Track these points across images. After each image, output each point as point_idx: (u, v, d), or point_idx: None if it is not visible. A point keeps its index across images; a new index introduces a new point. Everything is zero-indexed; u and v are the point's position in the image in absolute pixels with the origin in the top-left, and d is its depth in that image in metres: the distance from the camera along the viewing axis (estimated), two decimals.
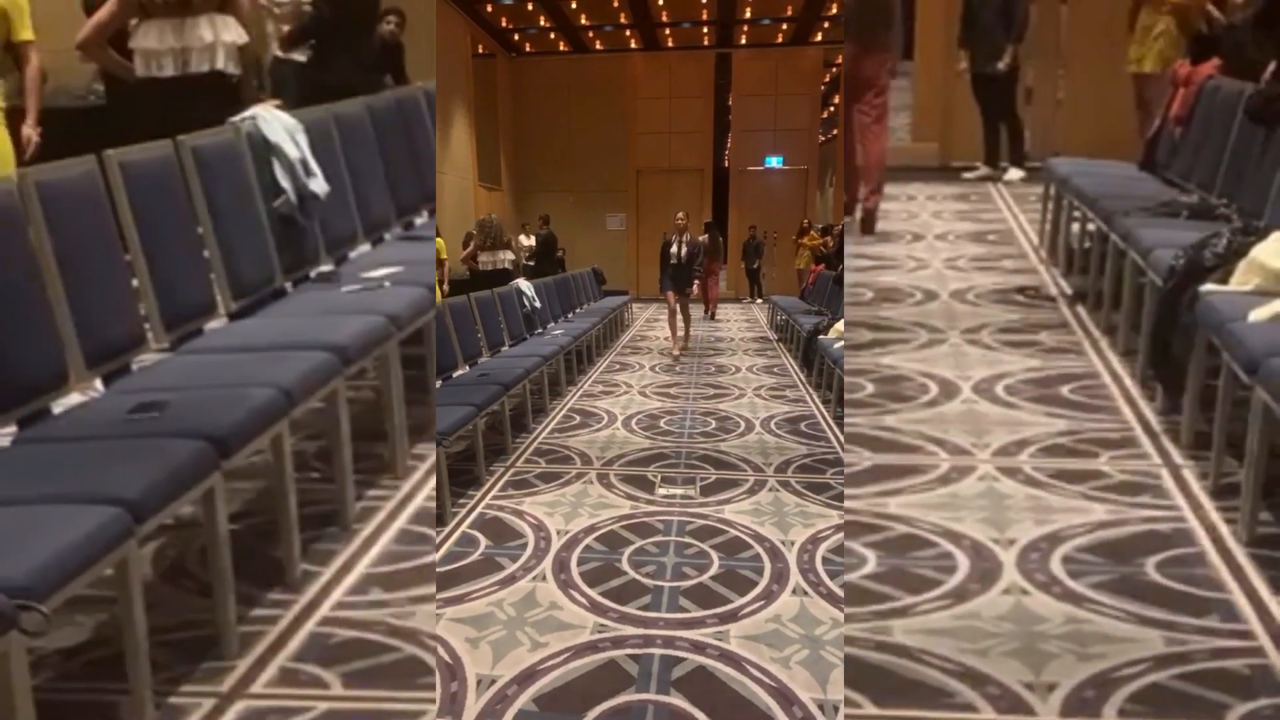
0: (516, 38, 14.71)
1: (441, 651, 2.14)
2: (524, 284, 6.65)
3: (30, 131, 3.18)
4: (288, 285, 2.89)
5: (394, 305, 2.68)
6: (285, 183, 2.68)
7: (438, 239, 7.73)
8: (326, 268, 3.06)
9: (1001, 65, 5.60)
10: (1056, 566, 2.18)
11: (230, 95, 3.06)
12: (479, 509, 3.29)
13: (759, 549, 2.82)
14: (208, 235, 2.46)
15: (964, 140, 6.26)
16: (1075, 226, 4.28)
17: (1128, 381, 3.23)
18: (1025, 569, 2.18)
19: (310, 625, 2.05)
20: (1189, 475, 2.59)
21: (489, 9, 13.18)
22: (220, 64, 3.18)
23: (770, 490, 3.48)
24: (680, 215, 7.76)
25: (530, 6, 12.95)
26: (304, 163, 2.75)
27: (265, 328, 2.52)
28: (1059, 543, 2.29)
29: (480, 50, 14.02)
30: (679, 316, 7.96)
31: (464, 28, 13.09)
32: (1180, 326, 2.60)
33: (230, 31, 3.21)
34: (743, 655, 2.11)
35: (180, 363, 2.31)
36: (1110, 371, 3.33)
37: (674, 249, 7.64)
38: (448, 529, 3.05)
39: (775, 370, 6.74)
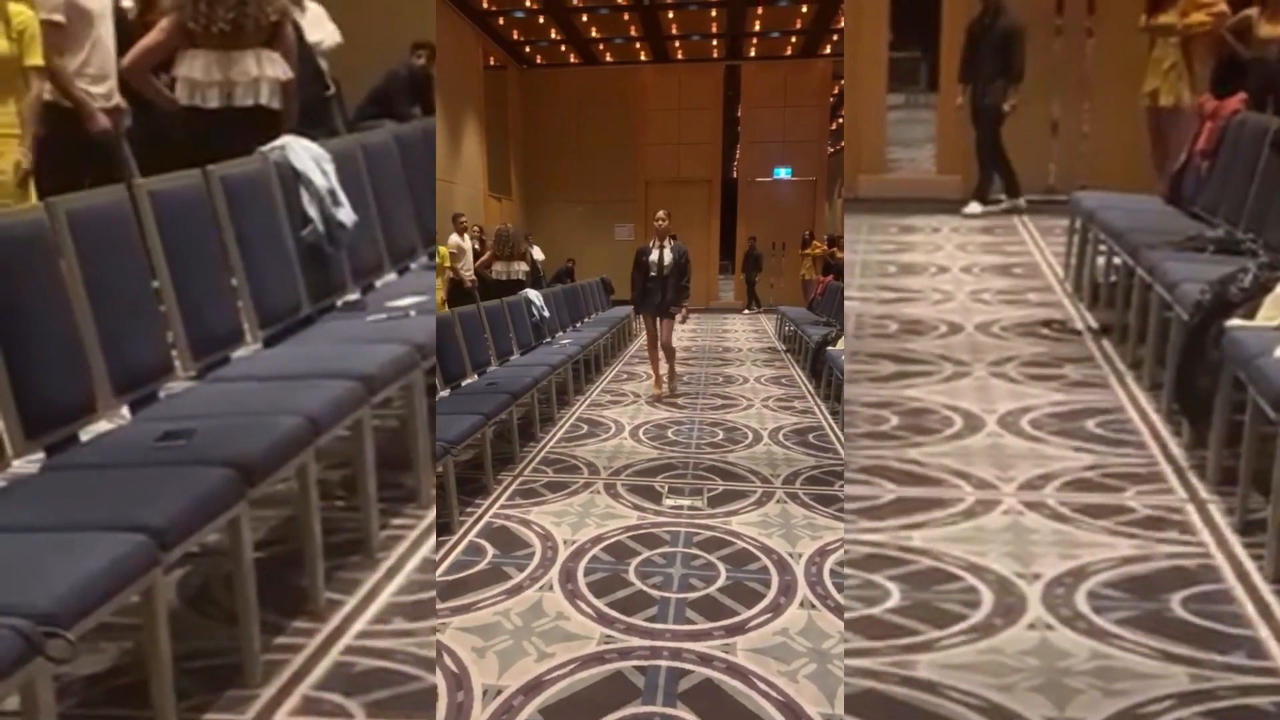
0: (528, 50, 14.81)
1: (447, 660, 2.14)
2: (533, 293, 6.68)
3: (19, 157, 3.21)
4: (314, 314, 2.90)
5: (419, 334, 2.69)
6: (313, 212, 2.71)
7: (441, 248, 7.81)
8: (353, 296, 3.09)
9: (1006, 106, 5.59)
10: (1082, 602, 2.17)
11: (272, 129, 3.10)
12: (486, 518, 3.30)
13: (766, 561, 2.82)
14: (235, 264, 2.48)
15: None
16: (1101, 260, 4.27)
17: (1154, 416, 3.21)
18: (1050, 604, 2.17)
19: (334, 654, 2.05)
20: (1215, 511, 2.58)
21: (501, 22, 13.27)
22: (264, 99, 3.21)
23: (778, 502, 3.49)
24: (660, 215, 5.87)
25: (542, 19, 13.03)
26: (331, 192, 2.77)
27: (292, 356, 2.54)
28: (1084, 578, 2.27)
29: (492, 62, 14.12)
30: (660, 349, 6.05)
31: (476, 40, 13.17)
32: (1206, 361, 2.59)
33: (275, 67, 3.25)
34: (750, 668, 2.12)
35: (207, 391, 2.32)
36: (1136, 406, 3.31)
37: (653, 257, 5.83)
38: (454, 537, 3.06)
39: (783, 381, 6.74)
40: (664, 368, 6.11)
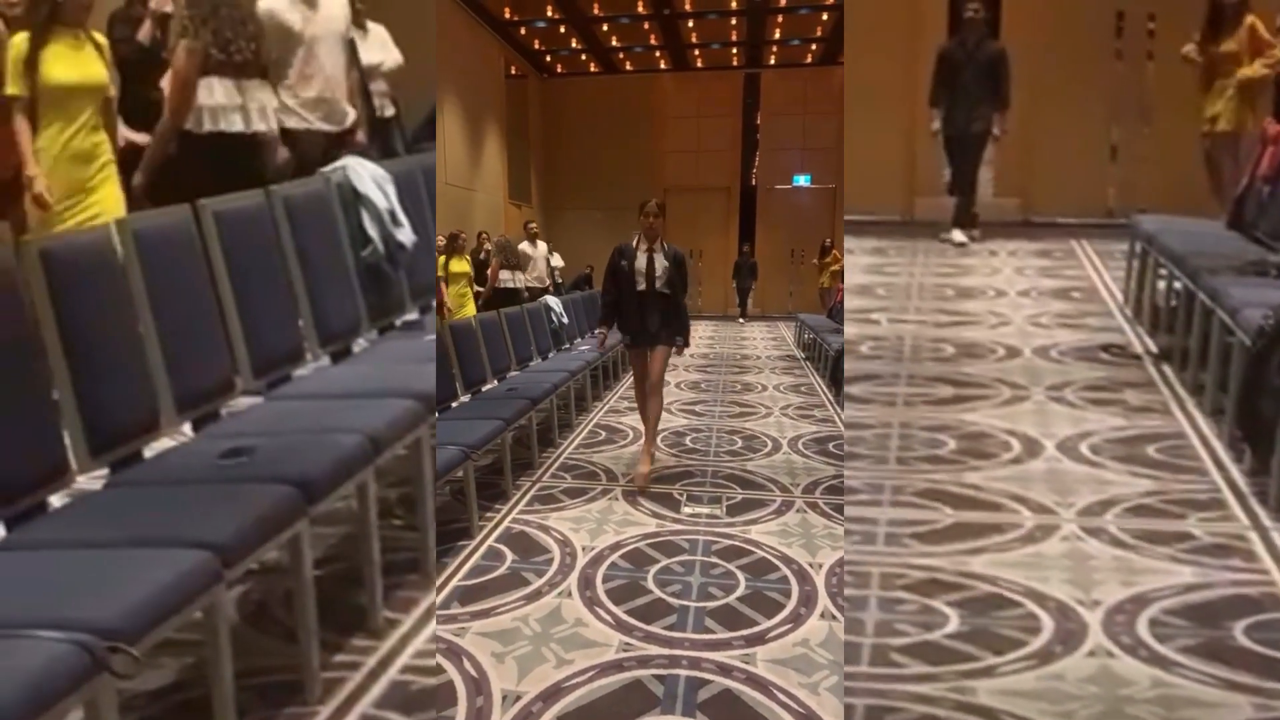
0: (549, 59, 14.91)
1: (467, 665, 2.15)
2: (552, 300, 6.72)
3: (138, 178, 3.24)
4: (374, 332, 2.93)
5: None
6: (373, 232, 2.73)
7: (463, 259, 7.88)
8: (412, 316, 3.11)
9: (997, 132, 5.48)
10: (1143, 629, 2.15)
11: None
12: (505, 523, 3.31)
13: (786, 571, 2.81)
14: (297, 283, 2.50)
15: (1046, 194, 6.18)
16: (1161, 284, 4.22)
17: (1215, 442, 3.17)
18: (1111, 631, 2.14)
19: (392, 673, 2.05)
20: (1278, 538, 2.54)
21: (522, 32, 13.37)
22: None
23: (798, 511, 3.47)
24: (650, 205, 4.02)
25: (563, 29, 13.12)
26: (392, 213, 2.80)
27: (352, 375, 2.56)
28: (1145, 605, 2.25)
29: (513, 71, 14.21)
30: (649, 394, 4.09)
31: (498, 50, 13.26)
32: (1269, 387, 2.56)
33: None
34: (770, 679, 2.11)
35: (269, 408, 2.34)
36: (1197, 431, 3.27)
37: (638, 264, 3.97)
38: (474, 542, 3.07)
39: (803, 389, 6.69)
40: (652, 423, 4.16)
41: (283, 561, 2.08)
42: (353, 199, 2.75)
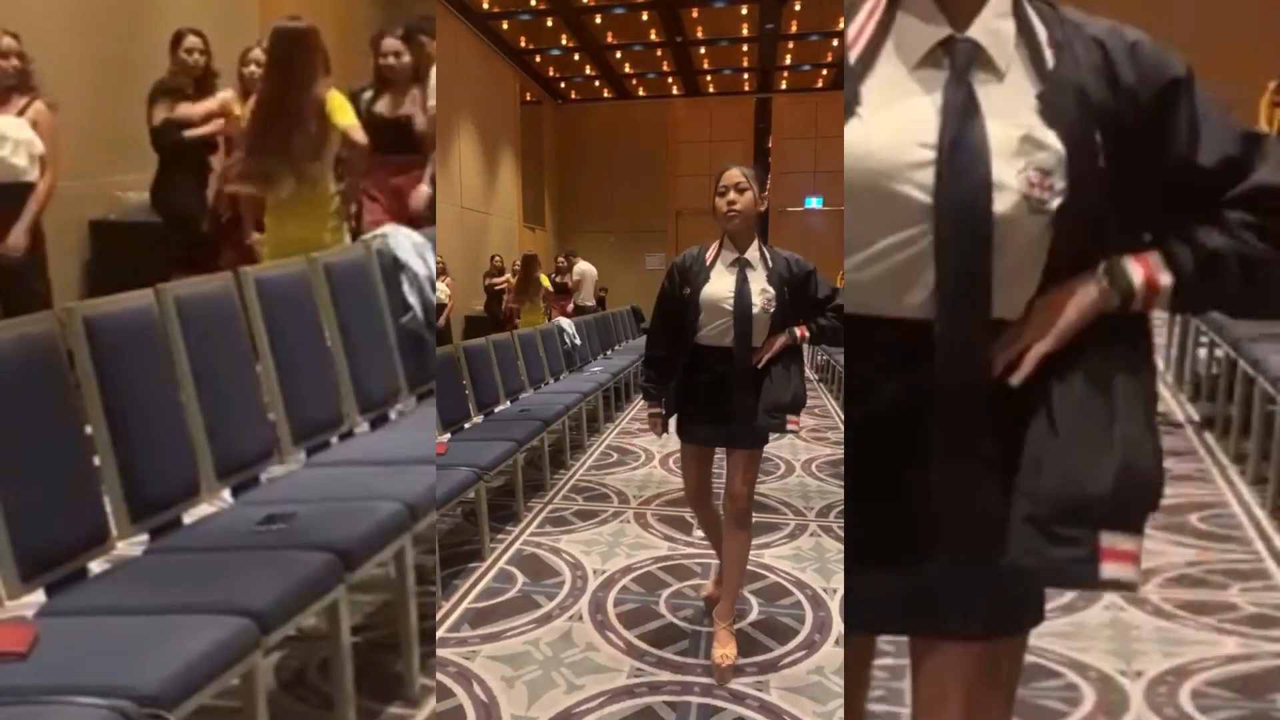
0: (563, 85, 15.06)
1: (477, 689, 2.14)
2: (565, 321, 6.73)
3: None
4: (414, 399, 2.92)
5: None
6: (413, 299, 2.75)
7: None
8: None
9: None
10: (1185, 701, 2.12)
11: None
12: (516, 545, 3.30)
13: (800, 596, 2.78)
14: (337, 350, 2.52)
15: None
16: (1203, 352, 4.21)
17: (1258, 511, 3.15)
18: (1154, 702, 2.11)
19: None
20: None
21: (537, 59, 13.53)
22: None
23: (811, 535, 3.43)
24: (735, 171, 2.24)
25: (577, 57, 13.26)
26: (431, 280, 2.82)
27: (391, 442, 2.56)
28: (1188, 676, 2.22)
29: (528, 98, 14.36)
30: (719, 518, 2.49)
31: (513, 77, 13.42)
32: None
33: None
34: (784, 708, 2.08)
35: (308, 475, 2.34)
36: (1240, 500, 3.26)
37: (711, 288, 2.22)
38: (485, 564, 3.06)
39: (816, 411, 6.63)
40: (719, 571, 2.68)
41: (320, 628, 2.07)
42: (393, 266, 2.77)
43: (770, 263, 2.25)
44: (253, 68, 3.73)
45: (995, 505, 0.92)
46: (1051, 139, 0.91)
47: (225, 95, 3.85)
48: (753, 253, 2.25)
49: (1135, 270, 0.94)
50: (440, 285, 8.55)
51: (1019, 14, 0.96)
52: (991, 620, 0.99)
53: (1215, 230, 0.94)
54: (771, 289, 2.21)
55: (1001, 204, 0.90)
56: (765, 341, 2.22)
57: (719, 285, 2.22)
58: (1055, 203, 0.91)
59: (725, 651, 2.27)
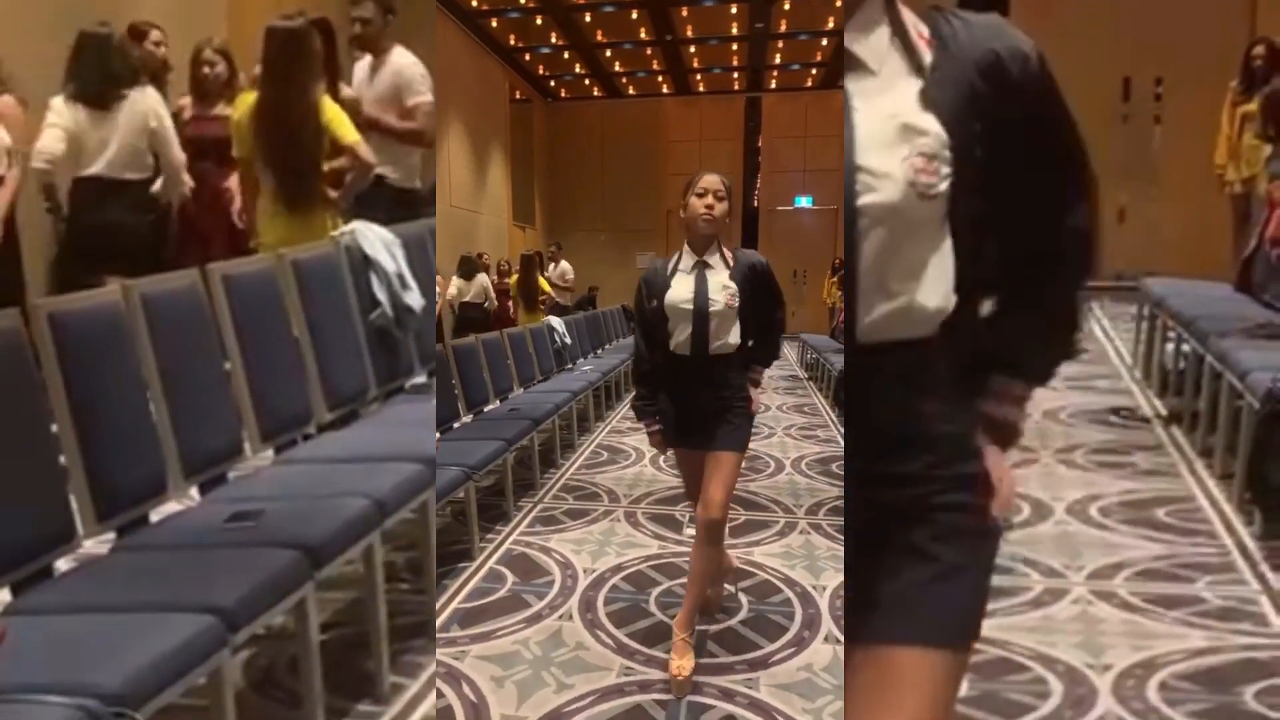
0: (553, 84, 15.06)
1: (466, 689, 2.14)
2: (555, 320, 6.72)
3: None
4: (382, 396, 2.91)
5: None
6: (382, 296, 2.74)
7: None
8: (420, 379, 3.09)
9: None
10: (1153, 694, 2.13)
11: None
12: (506, 544, 3.29)
13: (789, 593, 2.78)
14: (305, 347, 2.51)
15: None
16: (1170, 347, 4.23)
17: (1225, 505, 3.16)
18: (1121, 696, 2.12)
19: None
20: None
21: (527, 58, 13.52)
22: None
23: (801, 533, 3.44)
24: (711, 179, 2.21)
25: (566, 55, 13.26)
26: (400, 276, 2.81)
27: (359, 439, 2.55)
28: (1155, 669, 2.23)
29: (518, 96, 14.35)
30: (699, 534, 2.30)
31: (503, 75, 13.40)
32: (1278, 450, 2.55)
33: None
34: (773, 705, 2.08)
35: (275, 472, 2.33)
36: (1207, 495, 3.27)
37: (674, 293, 2.25)
38: (475, 564, 3.05)
39: (805, 409, 6.65)
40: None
41: (289, 626, 2.07)
42: (361, 262, 2.76)
43: (731, 262, 2.29)
44: (205, 69, 3.73)
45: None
46: (932, 123, 0.94)
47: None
48: (711, 255, 2.28)
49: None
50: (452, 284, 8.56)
51: (891, 16, 0.99)
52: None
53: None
54: (734, 284, 2.24)
55: (886, 193, 0.92)
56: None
57: (680, 290, 2.26)
58: (943, 185, 0.94)
59: (681, 663, 2.22)
